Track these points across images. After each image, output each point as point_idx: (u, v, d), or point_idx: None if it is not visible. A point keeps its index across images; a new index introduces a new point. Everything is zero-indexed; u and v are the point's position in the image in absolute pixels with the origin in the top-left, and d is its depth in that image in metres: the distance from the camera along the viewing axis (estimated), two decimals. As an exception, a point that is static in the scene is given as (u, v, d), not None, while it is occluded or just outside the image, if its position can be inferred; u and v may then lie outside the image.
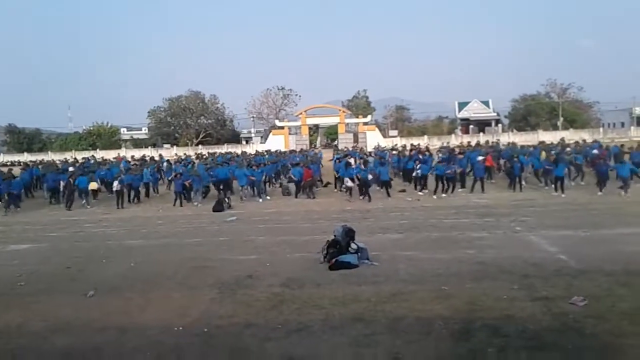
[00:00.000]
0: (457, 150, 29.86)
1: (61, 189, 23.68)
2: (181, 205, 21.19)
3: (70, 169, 29.07)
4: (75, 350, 6.94)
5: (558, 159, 21.14)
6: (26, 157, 61.31)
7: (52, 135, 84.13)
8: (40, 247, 14.24)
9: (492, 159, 24.36)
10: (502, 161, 25.33)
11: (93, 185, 24.24)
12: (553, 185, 20.32)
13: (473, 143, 40.15)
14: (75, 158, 47.70)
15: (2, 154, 70.81)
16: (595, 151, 24.22)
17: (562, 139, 37.65)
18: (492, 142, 39.53)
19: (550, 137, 47.73)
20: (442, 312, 7.43)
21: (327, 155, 38.21)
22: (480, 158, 22.44)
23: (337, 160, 26.15)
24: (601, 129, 60.99)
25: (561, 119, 66.92)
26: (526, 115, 73.40)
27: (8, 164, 47.58)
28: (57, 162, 43.51)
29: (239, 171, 22.70)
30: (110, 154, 55.20)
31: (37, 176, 28.44)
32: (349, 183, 21.01)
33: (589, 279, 8.72)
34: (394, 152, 32.57)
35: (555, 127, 64.65)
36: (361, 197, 20.40)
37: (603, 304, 7.49)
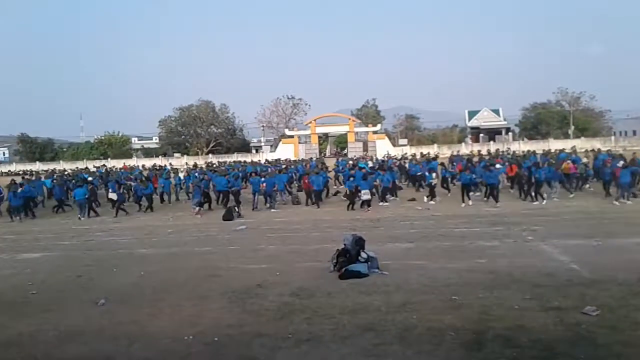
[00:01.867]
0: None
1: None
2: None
3: (89, 178, 29.58)
4: (86, 359, 6.96)
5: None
6: (38, 167, 61.87)
7: (64, 145, 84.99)
8: (52, 255, 14.33)
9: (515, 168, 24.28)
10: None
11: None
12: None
13: (484, 152, 40.04)
14: (104, 166, 48.43)
15: (14, 163, 71.52)
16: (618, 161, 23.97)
17: (574, 148, 37.45)
18: (503, 151, 39.40)
19: (561, 145, 47.48)
20: (453, 322, 7.37)
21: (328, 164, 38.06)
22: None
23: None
24: (613, 138, 60.59)
25: (572, 127, 66.60)
26: (537, 123, 73.15)
27: (20, 172, 48.07)
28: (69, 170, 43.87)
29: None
30: (121, 164, 55.60)
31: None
32: (366, 196, 20.68)
33: (601, 288, 8.63)
34: (406, 160, 32.79)
35: (566, 136, 64.35)
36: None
37: (616, 314, 7.40)
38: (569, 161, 23.64)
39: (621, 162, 23.21)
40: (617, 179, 19.72)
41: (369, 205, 20.30)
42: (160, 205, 24.78)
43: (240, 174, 28.68)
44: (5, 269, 12.96)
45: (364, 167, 27.49)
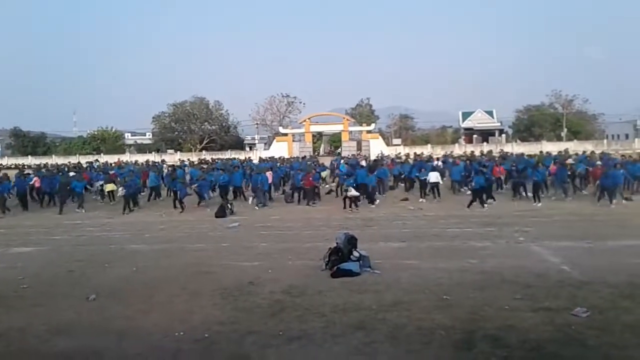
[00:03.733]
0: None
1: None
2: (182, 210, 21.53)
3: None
4: (76, 354, 6.93)
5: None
6: (30, 161, 61.49)
7: (57, 139, 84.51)
8: (43, 250, 14.27)
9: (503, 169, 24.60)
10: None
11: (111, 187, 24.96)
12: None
13: (477, 153, 40.17)
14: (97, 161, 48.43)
15: (6, 157, 71.07)
16: (598, 162, 24.23)
17: (567, 150, 37.61)
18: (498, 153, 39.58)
19: (554, 147, 47.70)
20: (444, 322, 7.40)
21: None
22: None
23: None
24: (605, 141, 60.89)
25: (565, 130, 66.92)
26: (530, 125, 73.43)
27: (12, 166, 47.80)
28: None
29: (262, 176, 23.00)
30: (114, 159, 55.34)
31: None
32: (352, 192, 20.67)
33: (592, 290, 8.68)
34: (398, 159, 32.96)
35: (559, 138, 64.64)
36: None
37: (606, 315, 7.45)
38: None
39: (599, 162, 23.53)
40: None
41: (356, 204, 20.36)
42: (152, 202, 24.75)
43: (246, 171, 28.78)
44: (-5, 263, 12.89)
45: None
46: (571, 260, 10.77)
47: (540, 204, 19.74)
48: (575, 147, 47.87)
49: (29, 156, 68.43)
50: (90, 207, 23.45)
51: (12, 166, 50.90)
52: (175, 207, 21.76)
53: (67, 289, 10.01)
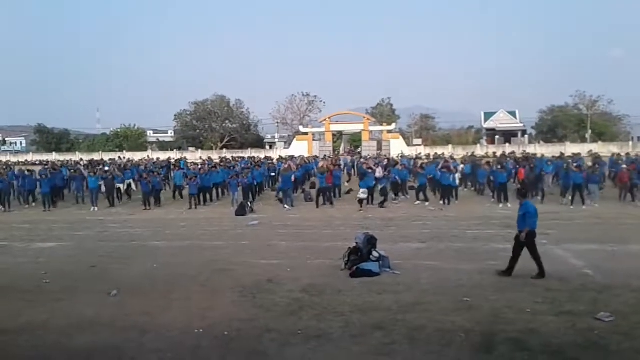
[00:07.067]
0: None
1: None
2: (195, 208, 21.60)
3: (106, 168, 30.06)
4: (97, 349, 7.00)
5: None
6: (54, 157, 62.43)
7: (80, 136, 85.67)
8: (66, 245, 14.48)
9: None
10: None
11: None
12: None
13: (499, 153, 39.71)
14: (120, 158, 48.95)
15: (31, 153, 72.26)
16: (624, 166, 23.79)
17: (591, 151, 37.06)
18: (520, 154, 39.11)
19: (578, 149, 46.98)
20: (464, 324, 7.33)
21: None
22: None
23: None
24: (630, 143, 59.75)
25: (590, 131, 65.88)
26: (554, 126, 72.39)
27: (37, 162, 48.60)
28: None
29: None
30: (137, 156, 55.87)
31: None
32: (363, 195, 20.67)
33: (615, 294, 8.52)
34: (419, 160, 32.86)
35: (583, 140, 63.67)
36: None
37: (629, 320, 7.30)
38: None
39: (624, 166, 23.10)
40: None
41: (361, 204, 20.38)
42: (173, 199, 24.96)
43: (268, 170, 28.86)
44: (19, 257, 13.13)
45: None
46: (594, 264, 10.59)
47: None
48: (600, 148, 47.07)
49: (53, 152, 69.49)
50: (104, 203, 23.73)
51: (37, 162, 51.73)
52: (190, 207, 21.86)
53: (88, 284, 10.14)
